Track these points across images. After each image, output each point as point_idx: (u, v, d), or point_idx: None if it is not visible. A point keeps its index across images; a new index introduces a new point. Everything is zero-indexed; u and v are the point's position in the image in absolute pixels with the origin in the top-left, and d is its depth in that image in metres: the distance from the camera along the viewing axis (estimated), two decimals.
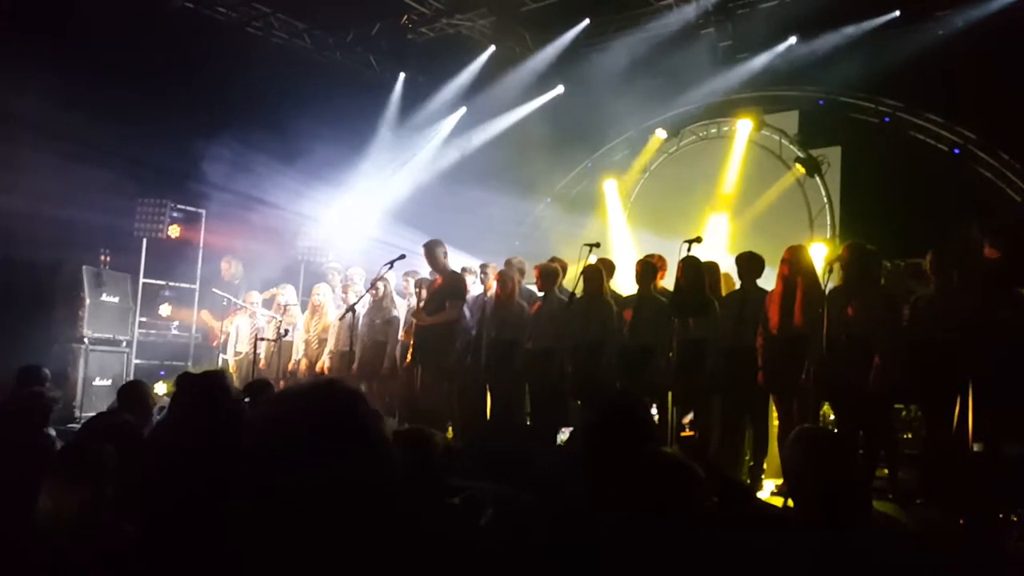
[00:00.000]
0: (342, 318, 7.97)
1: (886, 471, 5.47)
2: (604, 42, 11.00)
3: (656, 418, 5.77)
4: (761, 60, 10.23)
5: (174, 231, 9.85)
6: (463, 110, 12.05)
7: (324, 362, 8.44)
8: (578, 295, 6.71)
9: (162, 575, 2.07)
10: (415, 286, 7.93)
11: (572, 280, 6.99)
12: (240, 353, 9.13)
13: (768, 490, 5.68)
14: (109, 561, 2.19)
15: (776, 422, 5.93)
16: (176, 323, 10.28)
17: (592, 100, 11.15)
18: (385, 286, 8.07)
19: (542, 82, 11.58)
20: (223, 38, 10.50)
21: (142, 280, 9.78)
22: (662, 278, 6.86)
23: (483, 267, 8.13)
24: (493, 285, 7.41)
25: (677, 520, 2.04)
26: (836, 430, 5.77)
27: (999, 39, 8.14)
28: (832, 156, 10.03)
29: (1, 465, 3.29)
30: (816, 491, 2.39)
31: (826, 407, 6.24)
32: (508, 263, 7.61)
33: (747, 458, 5.98)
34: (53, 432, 4.19)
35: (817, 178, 10.06)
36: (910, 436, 6.45)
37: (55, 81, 8.08)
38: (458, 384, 7.37)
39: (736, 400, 5.98)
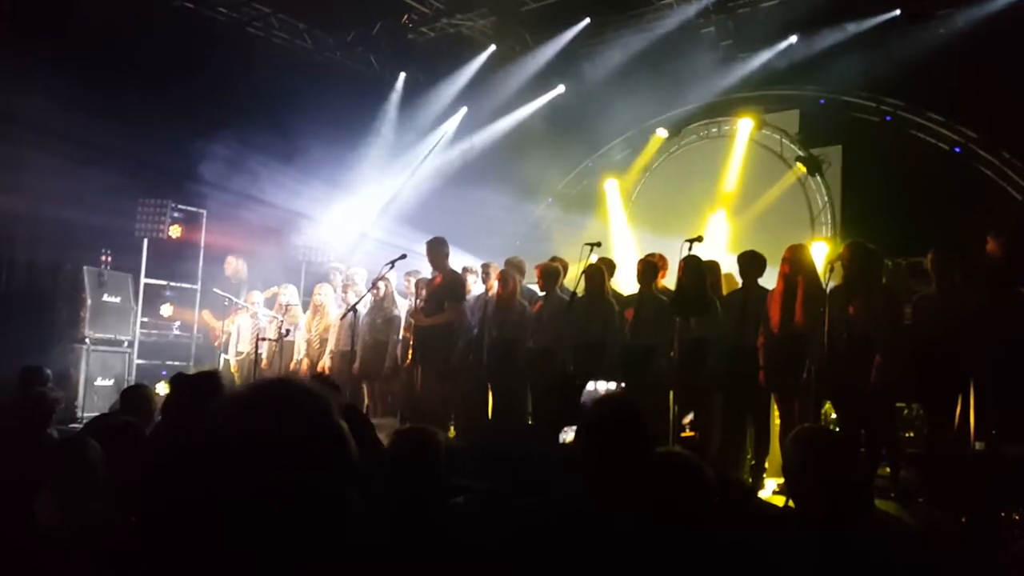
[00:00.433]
0: (343, 318, 7.96)
1: (888, 470, 5.47)
2: (604, 41, 10.98)
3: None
4: (762, 59, 10.20)
5: (175, 231, 9.84)
6: (464, 110, 12.02)
7: (325, 362, 8.44)
8: (579, 294, 6.71)
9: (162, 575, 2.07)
10: (415, 286, 7.94)
11: (573, 280, 6.98)
12: (242, 353, 9.13)
13: (770, 489, 5.68)
14: (109, 561, 2.19)
15: (778, 421, 5.93)
16: (178, 323, 10.26)
17: (592, 99, 11.16)
18: (386, 286, 8.07)
19: (542, 82, 11.55)
20: (223, 38, 10.48)
21: (143, 280, 9.77)
22: (663, 277, 6.87)
23: (485, 267, 8.12)
24: (495, 285, 7.41)
25: (688, 520, 2.04)
26: (838, 429, 5.76)
27: (1000, 38, 8.12)
28: (833, 155, 10.03)
29: (2, 465, 3.29)
30: (816, 491, 2.38)
31: (827, 406, 6.22)
32: (508, 263, 7.62)
33: (749, 457, 5.98)
34: (55, 432, 4.20)
35: (818, 177, 10.06)
36: (912, 435, 6.44)
37: (56, 81, 8.09)
38: (460, 383, 7.37)
39: (737, 399, 5.98)
